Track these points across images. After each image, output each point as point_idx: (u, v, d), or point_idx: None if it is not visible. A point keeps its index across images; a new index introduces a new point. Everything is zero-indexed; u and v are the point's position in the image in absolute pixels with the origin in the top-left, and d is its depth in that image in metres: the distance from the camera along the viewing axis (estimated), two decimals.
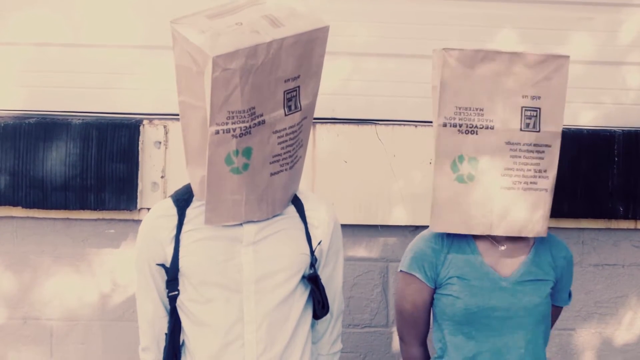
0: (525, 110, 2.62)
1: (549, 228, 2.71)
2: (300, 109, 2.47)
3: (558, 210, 3.56)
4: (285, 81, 2.42)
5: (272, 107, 2.42)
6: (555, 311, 2.80)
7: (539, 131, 2.62)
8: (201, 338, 2.52)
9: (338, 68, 3.61)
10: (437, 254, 2.69)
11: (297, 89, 2.45)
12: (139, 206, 3.51)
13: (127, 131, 3.50)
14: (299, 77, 2.44)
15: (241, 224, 2.52)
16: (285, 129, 2.46)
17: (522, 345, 2.64)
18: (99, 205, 3.50)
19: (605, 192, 3.60)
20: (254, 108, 2.38)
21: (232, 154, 2.40)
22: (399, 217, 3.58)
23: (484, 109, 2.63)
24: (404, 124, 3.56)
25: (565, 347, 3.71)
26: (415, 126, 3.58)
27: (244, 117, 2.37)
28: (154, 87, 3.59)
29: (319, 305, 2.57)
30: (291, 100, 2.45)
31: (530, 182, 2.65)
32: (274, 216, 2.55)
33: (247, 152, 2.42)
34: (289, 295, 2.52)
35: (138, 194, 3.51)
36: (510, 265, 2.69)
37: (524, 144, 2.64)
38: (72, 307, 3.60)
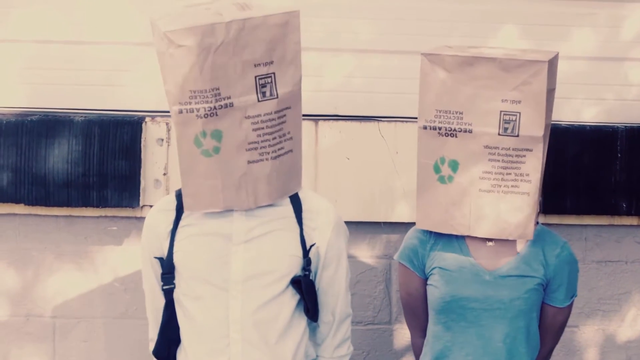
0: (504, 114, 2.59)
1: (551, 225, 2.71)
2: (277, 97, 2.47)
3: (561, 206, 3.56)
4: (255, 65, 2.43)
5: (241, 90, 2.43)
6: (552, 311, 2.73)
7: (517, 136, 2.59)
8: (192, 334, 2.53)
9: (340, 65, 3.61)
10: (424, 244, 2.74)
11: (272, 75, 2.46)
12: (141, 203, 3.51)
13: (130, 128, 3.50)
14: (272, 62, 2.45)
15: (231, 219, 2.50)
16: (259, 115, 2.46)
17: (499, 339, 2.64)
18: (101, 202, 3.50)
19: (608, 189, 3.59)
20: (218, 89, 2.40)
21: (199, 136, 2.41)
22: (402, 214, 3.57)
23: (463, 112, 2.61)
24: (407, 121, 3.56)
25: (568, 344, 3.71)
26: None
27: (207, 97, 2.39)
28: (156, 84, 3.54)
29: (304, 308, 2.54)
30: (265, 86, 2.45)
31: (512, 186, 2.63)
32: (268, 216, 2.53)
33: (217, 135, 2.43)
34: (278, 296, 2.50)
35: (140, 191, 3.50)
36: (497, 260, 2.69)
37: (502, 148, 2.60)
38: (74, 304, 3.60)
